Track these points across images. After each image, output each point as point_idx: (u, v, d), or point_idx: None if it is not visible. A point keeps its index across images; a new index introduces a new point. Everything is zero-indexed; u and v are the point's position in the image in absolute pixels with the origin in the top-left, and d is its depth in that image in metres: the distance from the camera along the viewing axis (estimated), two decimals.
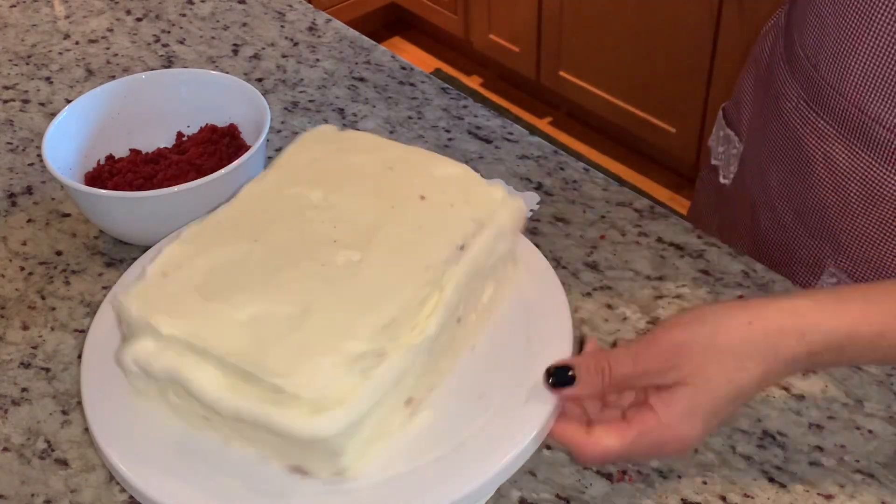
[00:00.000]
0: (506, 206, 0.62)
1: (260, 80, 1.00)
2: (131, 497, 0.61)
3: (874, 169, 0.71)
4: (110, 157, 0.84)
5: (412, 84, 0.99)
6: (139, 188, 0.78)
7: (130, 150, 0.85)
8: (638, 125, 2.27)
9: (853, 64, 0.70)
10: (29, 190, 0.88)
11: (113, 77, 1.01)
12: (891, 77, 0.67)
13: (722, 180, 0.92)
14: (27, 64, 1.04)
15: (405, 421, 0.57)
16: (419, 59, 2.85)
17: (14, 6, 1.15)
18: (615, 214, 0.82)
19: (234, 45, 1.06)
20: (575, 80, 2.40)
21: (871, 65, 0.68)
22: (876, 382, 0.67)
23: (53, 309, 0.76)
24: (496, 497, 0.61)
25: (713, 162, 0.94)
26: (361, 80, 1.00)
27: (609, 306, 0.74)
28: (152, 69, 1.02)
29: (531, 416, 0.56)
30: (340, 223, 0.61)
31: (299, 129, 0.93)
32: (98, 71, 1.03)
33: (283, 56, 1.04)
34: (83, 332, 0.74)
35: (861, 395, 0.66)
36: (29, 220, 0.84)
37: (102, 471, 0.64)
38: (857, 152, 0.72)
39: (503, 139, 0.91)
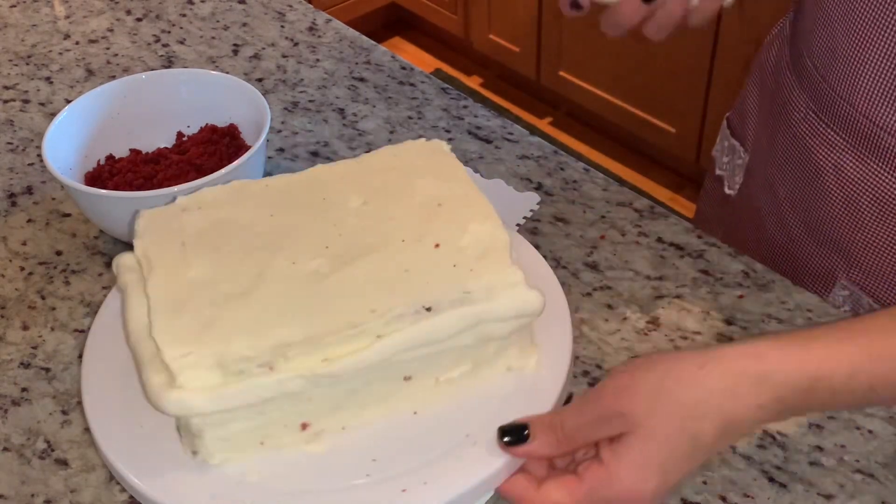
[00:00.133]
0: (515, 294, 0.57)
1: (260, 80, 1.00)
2: (131, 497, 0.61)
3: (886, 180, 0.71)
4: (110, 157, 0.84)
5: (412, 84, 0.99)
6: (139, 188, 0.78)
7: (130, 150, 0.85)
8: (638, 125, 2.26)
9: (863, 73, 0.69)
10: (29, 190, 0.88)
11: (113, 77, 1.01)
12: None
13: (727, 191, 0.91)
14: (27, 64, 1.04)
15: (300, 442, 0.58)
16: (419, 59, 2.85)
17: (14, 6, 1.15)
18: (615, 214, 0.82)
19: (234, 45, 1.06)
20: (575, 80, 2.40)
21: (883, 74, 0.68)
22: None
23: (53, 309, 0.76)
24: (496, 497, 0.61)
25: (718, 172, 0.93)
26: (361, 80, 1.00)
27: (609, 306, 0.74)
28: (152, 69, 1.02)
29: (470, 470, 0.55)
30: (348, 233, 0.61)
31: (299, 129, 0.93)
32: (98, 71, 1.03)
33: (283, 56, 1.04)
34: (83, 332, 0.74)
35: None
36: (29, 220, 0.84)
37: (102, 471, 0.64)
38: (867, 163, 0.71)
39: (503, 139, 0.91)
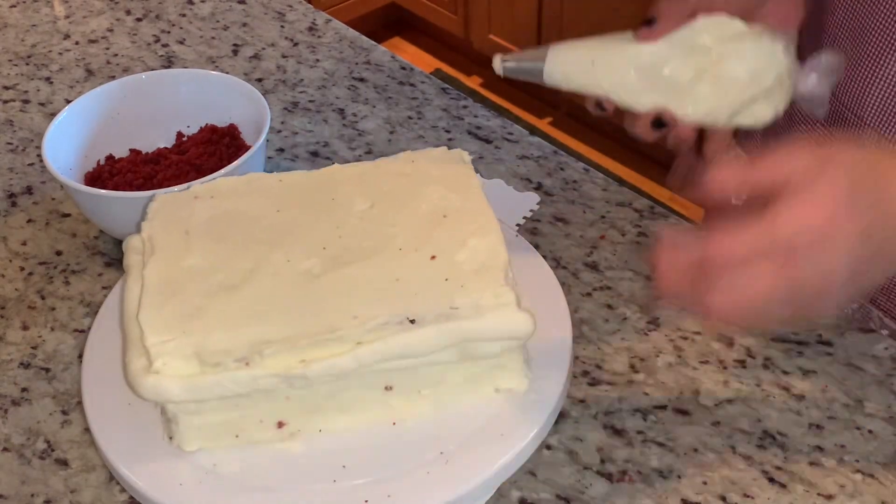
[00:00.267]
0: (503, 314, 0.56)
1: (260, 80, 1.00)
2: (131, 497, 0.61)
3: None
4: (110, 157, 0.84)
5: (412, 84, 0.99)
6: (139, 188, 0.78)
7: (130, 150, 0.84)
8: None
9: (873, 88, 0.68)
10: (29, 190, 0.88)
11: (113, 77, 1.01)
12: None
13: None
14: (27, 64, 1.04)
15: (275, 440, 0.58)
16: (419, 59, 2.85)
17: (14, 6, 1.15)
18: (615, 214, 0.82)
19: (234, 45, 1.06)
20: None
21: (892, 91, 0.67)
22: (876, 382, 0.67)
23: (53, 309, 0.76)
24: (496, 497, 0.61)
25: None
26: (361, 80, 1.00)
27: (609, 306, 0.74)
28: (152, 69, 1.02)
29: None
30: (348, 236, 0.61)
31: (299, 129, 0.93)
32: (98, 71, 1.03)
33: (283, 56, 1.04)
34: (83, 332, 0.74)
35: (861, 395, 0.66)
36: (29, 220, 0.84)
37: (102, 471, 0.64)
38: None
39: (503, 139, 0.91)
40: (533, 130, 1.09)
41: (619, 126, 0.65)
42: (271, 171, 0.69)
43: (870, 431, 0.64)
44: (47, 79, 1.02)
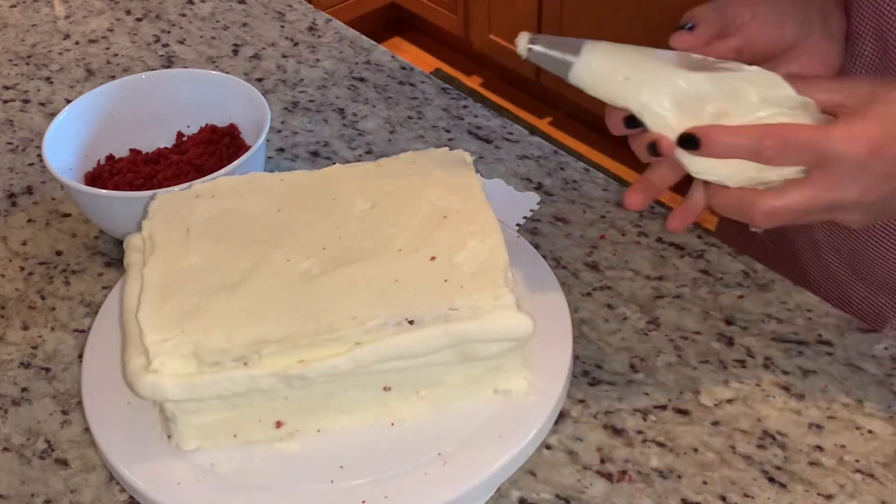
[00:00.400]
0: (502, 316, 0.56)
1: (260, 80, 1.00)
2: (131, 497, 0.61)
3: None
4: (110, 157, 0.84)
5: (412, 84, 0.99)
6: (139, 188, 0.78)
7: (130, 150, 0.85)
8: None
9: None
10: (29, 190, 0.88)
11: (113, 77, 1.01)
12: None
13: (752, 228, 0.87)
14: (27, 64, 1.04)
15: (273, 439, 0.58)
16: (419, 59, 2.85)
17: (14, 6, 1.15)
18: (615, 214, 0.82)
19: (234, 45, 1.06)
20: None
21: None
22: (876, 382, 0.67)
23: (53, 309, 0.76)
24: (496, 497, 0.61)
25: None
26: (361, 80, 1.00)
27: (609, 306, 0.74)
28: (152, 69, 1.02)
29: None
30: (348, 236, 0.61)
31: (299, 129, 0.93)
32: (98, 71, 1.03)
33: (283, 56, 1.04)
34: (83, 332, 0.74)
35: (861, 395, 0.66)
36: (29, 220, 0.84)
37: (102, 471, 0.64)
38: None
39: (503, 139, 0.91)
40: (533, 130, 1.09)
41: None
42: (272, 171, 0.69)
43: (870, 431, 0.64)
44: (47, 79, 1.02)
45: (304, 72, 1.01)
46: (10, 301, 0.77)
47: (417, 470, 0.56)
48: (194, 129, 0.86)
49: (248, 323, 0.55)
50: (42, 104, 0.98)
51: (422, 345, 0.55)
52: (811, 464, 0.62)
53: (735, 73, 0.57)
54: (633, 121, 0.58)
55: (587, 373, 0.68)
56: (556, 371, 0.61)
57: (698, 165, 0.56)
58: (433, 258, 0.59)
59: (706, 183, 0.58)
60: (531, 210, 0.83)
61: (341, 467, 0.56)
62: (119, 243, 0.81)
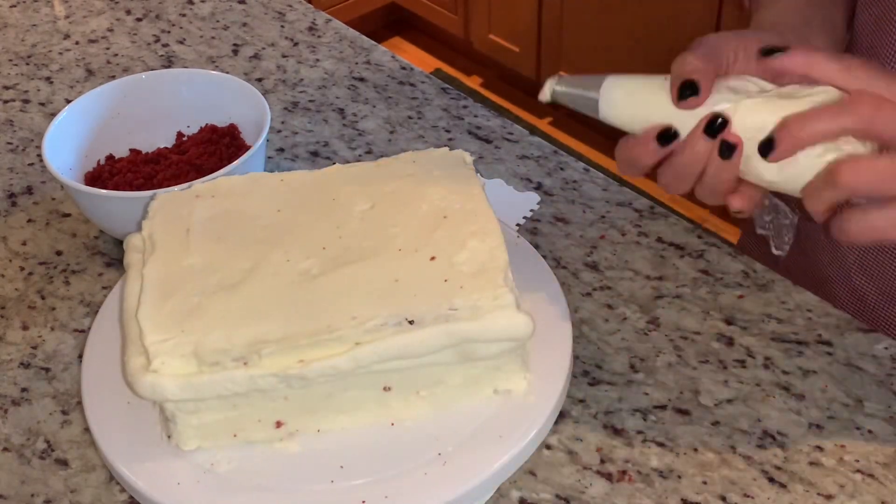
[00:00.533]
0: (502, 316, 0.56)
1: (260, 80, 1.00)
2: (131, 497, 0.61)
3: None
4: (110, 157, 0.84)
5: (412, 84, 0.99)
6: (139, 188, 0.78)
7: (130, 150, 0.85)
8: None
9: None
10: (29, 190, 0.88)
11: (113, 77, 1.01)
12: None
13: (775, 251, 0.82)
14: (27, 64, 1.04)
15: (273, 439, 0.58)
16: (419, 59, 2.85)
17: (14, 6, 1.15)
18: (615, 214, 0.82)
19: (234, 45, 1.06)
20: None
21: None
22: (876, 382, 0.67)
23: (53, 309, 0.76)
24: (496, 497, 0.61)
25: (759, 231, 0.84)
26: (361, 80, 1.00)
27: (609, 306, 0.74)
28: (152, 69, 1.02)
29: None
30: (348, 236, 0.61)
31: (299, 129, 0.93)
32: (98, 71, 1.03)
33: (283, 56, 1.04)
34: (83, 332, 0.74)
35: (861, 395, 0.66)
36: (29, 220, 0.84)
37: (102, 471, 0.64)
38: None
39: (503, 139, 0.91)
40: (533, 130, 1.09)
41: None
42: (272, 171, 0.69)
43: (870, 431, 0.64)
44: (47, 79, 1.02)
45: (304, 72, 1.01)
46: (10, 301, 0.77)
47: (417, 470, 0.56)
48: (194, 129, 0.86)
49: (248, 323, 0.55)
50: (42, 104, 0.98)
51: (422, 345, 0.55)
52: (811, 464, 0.62)
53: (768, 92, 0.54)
54: (668, 135, 0.54)
55: (587, 373, 0.68)
56: (556, 371, 0.61)
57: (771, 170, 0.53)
58: (433, 258, 0.59)
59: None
60: (531, 210, 0.83)
61: (341, 467, 0.56)
62: (119, 243, 0.81)
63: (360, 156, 0.90)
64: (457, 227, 0.61)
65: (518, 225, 0.81)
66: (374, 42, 1.06)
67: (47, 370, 0.71)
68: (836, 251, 0.78)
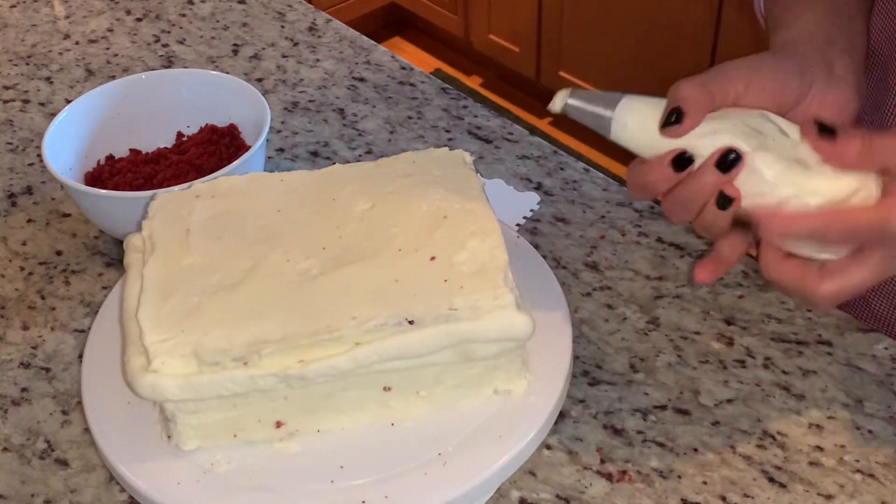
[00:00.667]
0: (502, 316, 0.56)
1: (260, 80, 1.00)
2: (131, 497, 0.61)
3: None
4: (110, 157, 0.84)
5: (412, 84, 0.99)
6: (139, 188, 0.78)
7: (130, 150, 0.85)
8: None
9: None
10: (29, 190, 0.88)
11: (113, 77, 1.01)
12: None
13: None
14: (27, 64, 1.04)
15: (273, 439, 0.58)
16: (419, 59, 2.85)
17: (14, 6, 1.15)
18: (615, 214, 0.82)
19: (234, 45, 1.06)
20: (575, 80, 2.39)
21: None
22: (876, 382, 0.67)
23: (53, 309, 0.76)
24: (496, 497, 0.61)
25: None
26: (361, 80, 1.00)
27: (609, 306, 0.74)
28: (152, 69, 1.02)
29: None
30: (348, 236, 0.61)
31: (299, 129, 0.93)
32: (98, 71, 1.03)
33: (283, 56, 1.04)
34: (83, 332, 0.74)
35: (861, 395, 0.66)
36: (29, 220, 0.84)
37: (102, 471, 0.64)
38: None
39: (503, 139, 0.91)
40: (533, 130, 1.09)
41: None
42: (272, 171, 0.69)
43: (870, 431, 0.64)
44: (47, 79, 1.02)
45: (304, 72, 1.01)
46: (10, 301, 0.77)
47: (417, 470, 0.56)
48: (194, 129, 0.86)
49: (248, 323, 0.55)
50: (42, 104, 0.98)
51: (422, 345, 0.55)
52: (811, 464, 0.62)
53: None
54: (683, 160, 0.53)
55: (587, 373, 0.68)
56: (556, 371, 0.61)
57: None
58: (433, 258, 0.59)
59: (758, 247, 0.55)
60: (531, 210, 0.83)
61: (341, 467, 0.56)
62: (119, 243, 0.81)
63: (360, 156, 0.90)
64: (457, 227, 0.61)
65: (518, 225, 0.81)
66: (374, 42, 1.06)
67: (47, 370, 0.71)
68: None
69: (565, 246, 0.79)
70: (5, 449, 0.66)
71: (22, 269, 0.80)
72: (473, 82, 2.76)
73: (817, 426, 0.64)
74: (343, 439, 0.58)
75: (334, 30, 1.08)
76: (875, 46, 0.72)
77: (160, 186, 0.77)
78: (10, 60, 1.05)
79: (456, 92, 0.98)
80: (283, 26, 1.09)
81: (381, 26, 2.92)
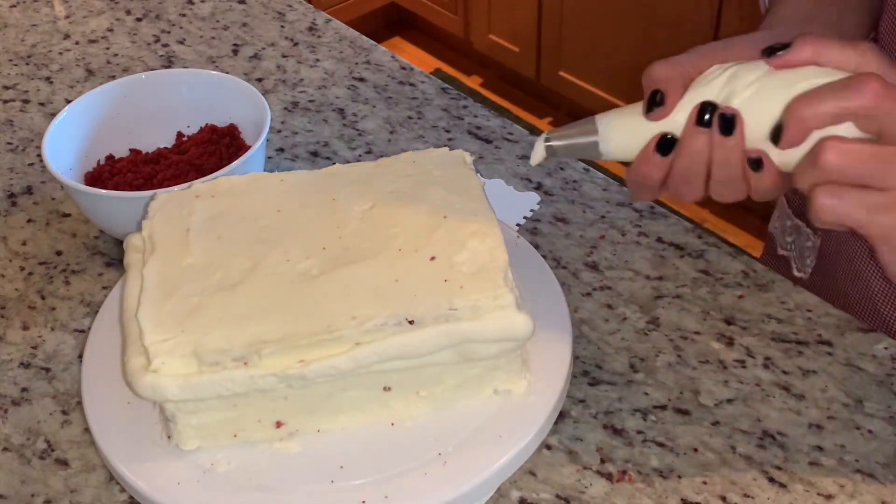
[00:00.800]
0: (502, 316, 0.56)
1: (260, 80, 1.00)
2: (131, 497, 0.61)
3: None
4: (110, 157, 0.84)
5: (412, 84, 0.99)
6: (139, 188, 0.78)
7: (130, 150, 0.85)
8: None
9: None
10: (29, 190, 0.88)
11: (113, 77, 1.01)
12: None
13: (797, 273, 0.77)
14: (27, 64, 1.04)
15: (273, 439, 0.58)
16: (419, 59, 2.85)
17: (14, 6, 1.15)
18: (615, 214, 0.82)
19: (234, 45, 1.06)
20: (575, 80, 2.39)
21: None
22: (876, 382, 0.67)
23: (53, 309, 0.76)
24: (496, 497, 0.61)
25: (780, 252, 0.79)
26: (361, 80, 1.00)
27: (609, 306, 0.74)
28: (152, 69, 1.02)
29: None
30: (348, 236, 0.61)
31: (299, 129, 0.93)
32: (98, 71, 1.03)
33: (283, 56, 1.04)
34: (83, 332, 0.74)
35: (861, 395, 0.66)
36: (29, 220, 0.84)
37: (102, 471, 0.64)
38: None
39: (503, 139, 0.91)
40: (533, 130, 1.09)
41: None
42: (272, 171, 0.69)
43: (870, 431, 0.64)
44: (47, 79, 1.02)
45: (304, 72, 1.01)
46: (10, 301, 0.77)
47: (417, 470, 0.56)
48: (194, 129, 0.86)
49: (247, 323, 0.55)
50: (42, 104, 0.98)
51: (422, 345, 0.55)
52: (811, 464, 0.62)
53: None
54: (666, 141, 0.52)
55: (587, 373, 0.68)
56: (556, 371, 0.61)
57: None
58: (433, 258, 0.58)
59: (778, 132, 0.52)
60: (531, 210, 0.83)
61: (341, 467, 0.56)
62: (119, 243, 0.81)
63: (360, 156, 0.90)
64: (457, 226, 0.61)
65: (518, 225, 0.81)
66: (374, 42, 1.06)
67: (47, 370, 0.71)
68: (860, 275, 0.77)
69: (565, 246, 0.79)
70: (5, 449, 0.66)
71: (22, 269, 0.80)
72: (473, 82, 2.76)
73: (817, 426, 0.64)
74: (343, 439, 0.58)
75: (334, 30, 1.08)
76: (884, 42, 0.72)
77: (160, 186, 0.77)
78: (10, 60, 1.05)
79: (456, 92, 0.98)
80: (283, 26, 1.09)
81: (381, 26, 2.92)
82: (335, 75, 1.01)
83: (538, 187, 0.85)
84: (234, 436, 0.58)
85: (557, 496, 0.61)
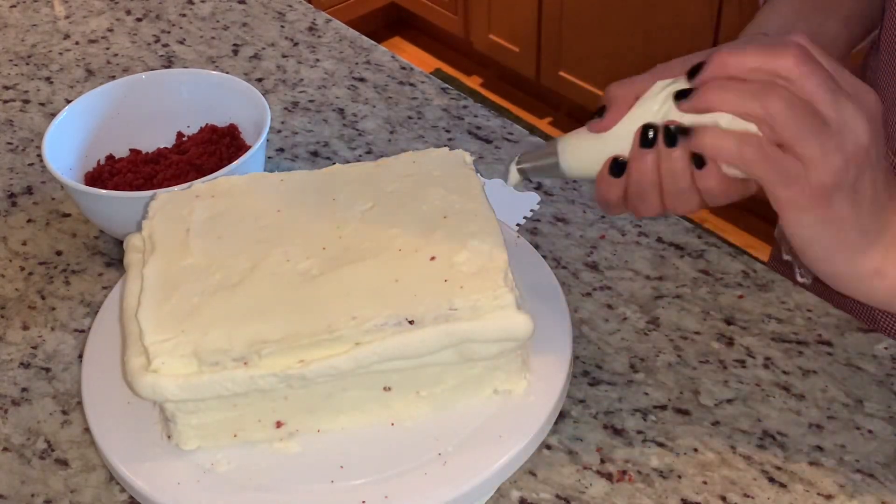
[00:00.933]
0: (502, 316, 0.56)
1: (260, 80, 1.00)
2: (131, 497, 0.61)
3: None
4: (110, 157, 0.84)
5: (412, 84, 0.99)
6: (139, 188, 0.78)
7: (130, 150, 0.85)
8: None
9: None
10: (29, 190, 0.88)
11: (113, 77, 1.01)
12: None
13: (800, 279, 0.78)
14: (27, 64, 1.04)
15: (273, 439, 0.58)
16: (419, 59, 2.85)
17: (14, 6, 1.15)
18: None
19: (234, 45, 1.06)
20: (575, 80, 2.39)
21: None
22: (876, 382, 0.67)
23: (53, 309, 0.76)
24: (496, 497, 0.61)
25: (784, 257, 0.82)
26: (361, 80, 1.00)
27: (609, 306, 0.74)
28: (152, 69, 1.02)
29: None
30: (348, 237, 0.61)
31: (299, 129, 0.93)
32: (98, 71, 1.03)
33: (283, 56, 1.04)
34: (83, 332, 0.74)
35: (861, 395, 0.66)
36: (29, 220, 0.84)
37: (102, 471, 0.64)
38: None
39: (503, 139, 0.91)
40: (533, 130, 1.08)
41: None
42: (272, 171, 0.69)
43: (870, 431, 0.64)
44: (47, 79, 1.02)
45: (304, 72, 1.01)
46: (10, 301, 0.77)
47: (417, 470, 0.56)
48: (194, 129, 0.86)
49: (247, 323, 0.55)
50: (42, 104, 0.98)
51: (422, 345, 0.55)
52: (811, 464, 0.62)
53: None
54: (617, 164, 0.55)
55: (587, 373, 0.68)
56: (556, 371, 0.61)
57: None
58: (433, 258, 0.58)
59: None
60: (531, 210, 0.83)
61: (341, 467, 0.56)
62: (119, 243, 0.81)
63: (360, 156, 0.90)
64: (457, 227, 0.61)
65: (518, 225, 0.81)
66: (374, 42, 1.06)
67: (47, 370, 0.71)
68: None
69: (565, 246, 0.79)
70: (5, 449, 0.66)
71: (22, 269, 0.80)
72: (473, 82, 2.76)
73: (817, 426, 0.64)
74: (343, 439, 0.58)
75: (334, 30, 1.08)
76: (884, 51, 0.72)
77: (160, 186, 0.77)
78: (10, 60, 1.05)
79: (456, 92, 0.98)
80: (283, 26, 1.09)
81: (381, 26, 2.92)
82: (335, 75, 1.01)
83: (538, 187, 0.85)
84: (234, 436, 0.58)
85: (557, 496, 0.61)
